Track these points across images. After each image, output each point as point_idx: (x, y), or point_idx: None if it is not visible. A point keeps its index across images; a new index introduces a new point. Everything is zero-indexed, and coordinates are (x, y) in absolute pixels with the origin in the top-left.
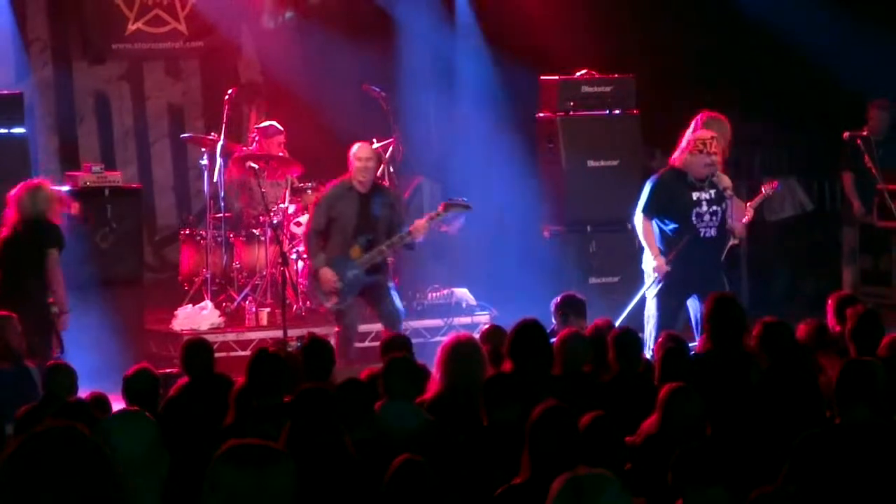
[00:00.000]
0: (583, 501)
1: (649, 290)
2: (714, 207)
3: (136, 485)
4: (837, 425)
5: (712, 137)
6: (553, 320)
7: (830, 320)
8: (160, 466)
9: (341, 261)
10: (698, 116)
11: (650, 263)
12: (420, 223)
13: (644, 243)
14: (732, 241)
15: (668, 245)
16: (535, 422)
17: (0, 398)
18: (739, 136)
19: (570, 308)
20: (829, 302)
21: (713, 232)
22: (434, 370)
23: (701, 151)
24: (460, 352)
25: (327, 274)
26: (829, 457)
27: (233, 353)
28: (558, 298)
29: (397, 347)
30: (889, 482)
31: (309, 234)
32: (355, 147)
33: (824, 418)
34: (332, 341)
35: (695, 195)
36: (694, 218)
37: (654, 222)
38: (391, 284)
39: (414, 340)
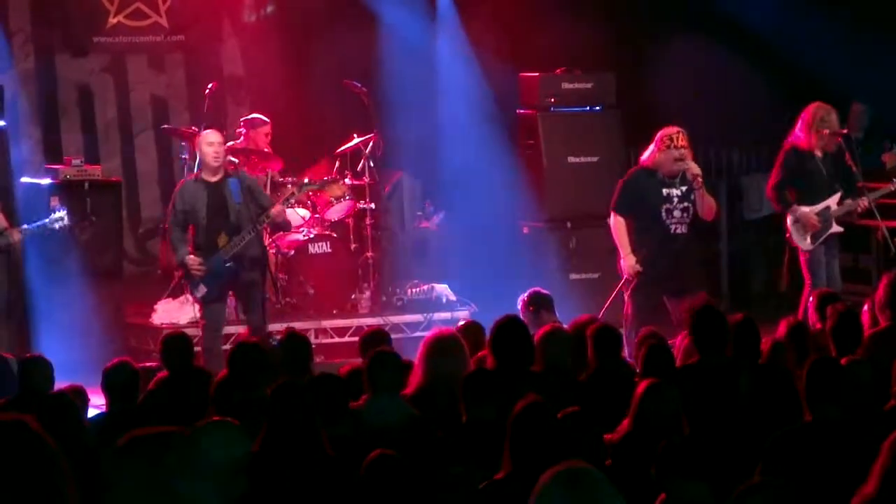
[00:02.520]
0: (577, 492)
1: (626, 288)
2: (685, 203)
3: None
4: (808, 423)
5: (678, 132)
6: (521, 317)
7: (811, 318)
8: (236, 486)
9: (206, 251)
10: (809, 107)
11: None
12: (277, 208)
13: (617, 242)
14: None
15: (638, 243)
16: (516, 418)
17: None
18: (718, 135)
19: (541, 304)
20: (811, 300)
21: (684, 228)
22: (416, 364)
23: (669, 147)
24: (443, 347)
25: (190, 261)
26: (801, 454)
27: None
28: (525, 295)
29: (378, 342)
30: (860, 479)
31: (168, 229)
32: (203, 133)
33: (800, 416)
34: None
35: (665, 191)
36: (664, 215)
37: (626, 219)
38: (261, 290)
39: (394, 336)
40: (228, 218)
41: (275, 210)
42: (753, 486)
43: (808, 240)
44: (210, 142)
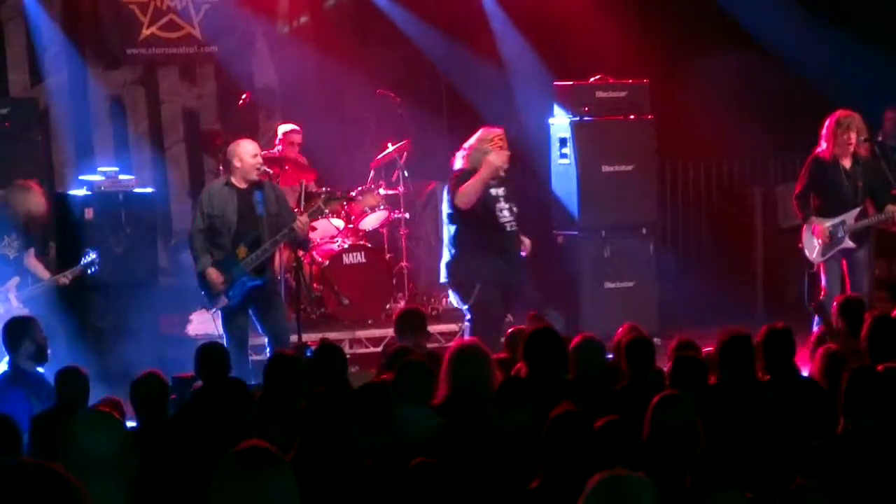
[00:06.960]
0: (621, 499)
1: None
2: (510, 203)
3: (101, 485)
4: (848, 432)
5: (484, 134)
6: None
7: (835, 322)
8: (128, 469)
9: (227, 261)
10: (832, 115)
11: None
12: (302, 219)
13: None
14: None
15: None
16: (550, 426)
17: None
18: (753, 144)
19: (410, 323)
20: (834, 305)
21: (514, 226)
22: (441, 375)
23: (501, 148)
24: (465, 357)
25: (213, 274)
26: (840, 465)
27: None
28: (401, 310)
29: (402, 355)
30: None
31: (192, 234)
32: (242, 143)
33: (834, 425)
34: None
35: (493, 191)
36: (498, 213)
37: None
38: (281, 297)
39: (429, 346)
40: (255, 228)
41: (299, 223)
42: (802, 487)
43: (818, 252)
44: (254, 153)
